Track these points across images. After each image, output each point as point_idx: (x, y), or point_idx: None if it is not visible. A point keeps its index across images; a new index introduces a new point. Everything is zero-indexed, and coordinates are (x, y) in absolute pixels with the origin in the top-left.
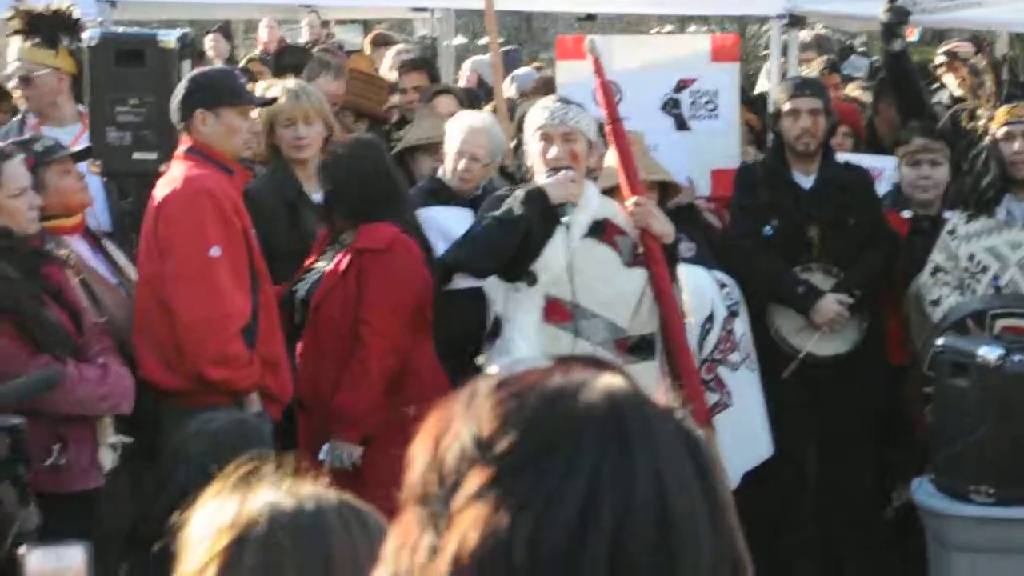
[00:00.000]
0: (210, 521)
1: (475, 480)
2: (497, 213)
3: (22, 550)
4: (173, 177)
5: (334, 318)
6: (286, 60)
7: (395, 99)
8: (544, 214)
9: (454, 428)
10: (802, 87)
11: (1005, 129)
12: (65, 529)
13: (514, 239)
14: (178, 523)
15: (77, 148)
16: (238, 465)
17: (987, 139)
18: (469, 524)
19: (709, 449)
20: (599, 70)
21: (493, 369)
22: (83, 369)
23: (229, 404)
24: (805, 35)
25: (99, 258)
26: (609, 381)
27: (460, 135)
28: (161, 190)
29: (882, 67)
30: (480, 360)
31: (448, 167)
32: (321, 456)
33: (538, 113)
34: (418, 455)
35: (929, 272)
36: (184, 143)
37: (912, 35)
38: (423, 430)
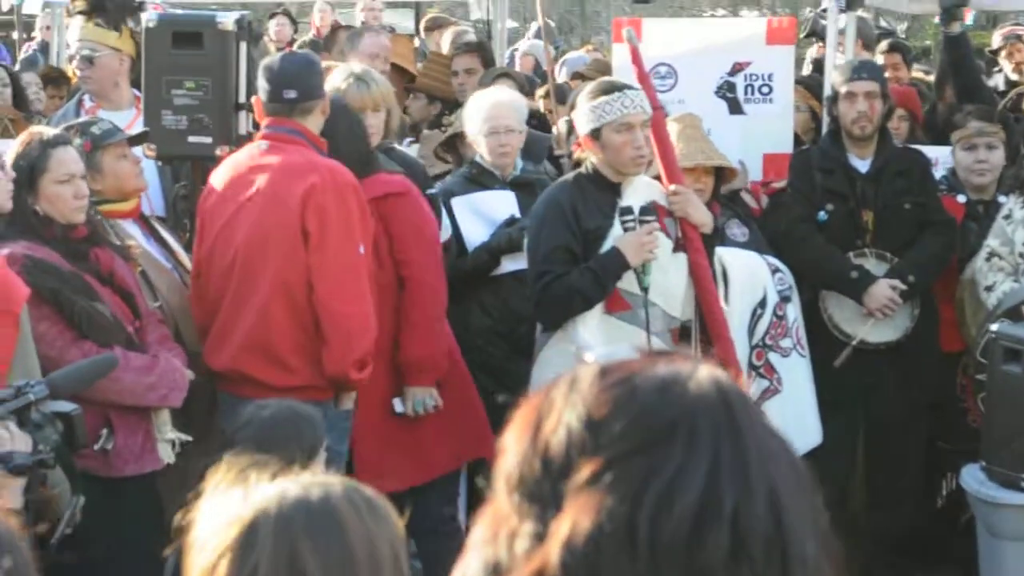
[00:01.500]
0: (218, 513)
1: (590, 465)
2: (579, 285)
3: None
4: (304, 163)
5: (372, 271)
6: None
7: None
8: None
9: (557, 414)
10: (859, 70)
11: None
12: (120, 511)
13: (592, 307)
14: (186, 519)
15: (132, 132)
16: (284, 454)
17: None
18: (584, 508)
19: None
20: (637, 59)
21: (588, 357)
22: (130, 358)
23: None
24: (844, 20)
25: (151, 243)
26: (711, 371)
27: (486, 113)
28: (290, 174)
29: (941, 51)
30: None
31: (485, 149)
32: (398, 409)
33: (612, 102)
34: (514, 442)
35: (984, 257)
36: (283, 125)
37: (966, 19)
38: (517, 418)
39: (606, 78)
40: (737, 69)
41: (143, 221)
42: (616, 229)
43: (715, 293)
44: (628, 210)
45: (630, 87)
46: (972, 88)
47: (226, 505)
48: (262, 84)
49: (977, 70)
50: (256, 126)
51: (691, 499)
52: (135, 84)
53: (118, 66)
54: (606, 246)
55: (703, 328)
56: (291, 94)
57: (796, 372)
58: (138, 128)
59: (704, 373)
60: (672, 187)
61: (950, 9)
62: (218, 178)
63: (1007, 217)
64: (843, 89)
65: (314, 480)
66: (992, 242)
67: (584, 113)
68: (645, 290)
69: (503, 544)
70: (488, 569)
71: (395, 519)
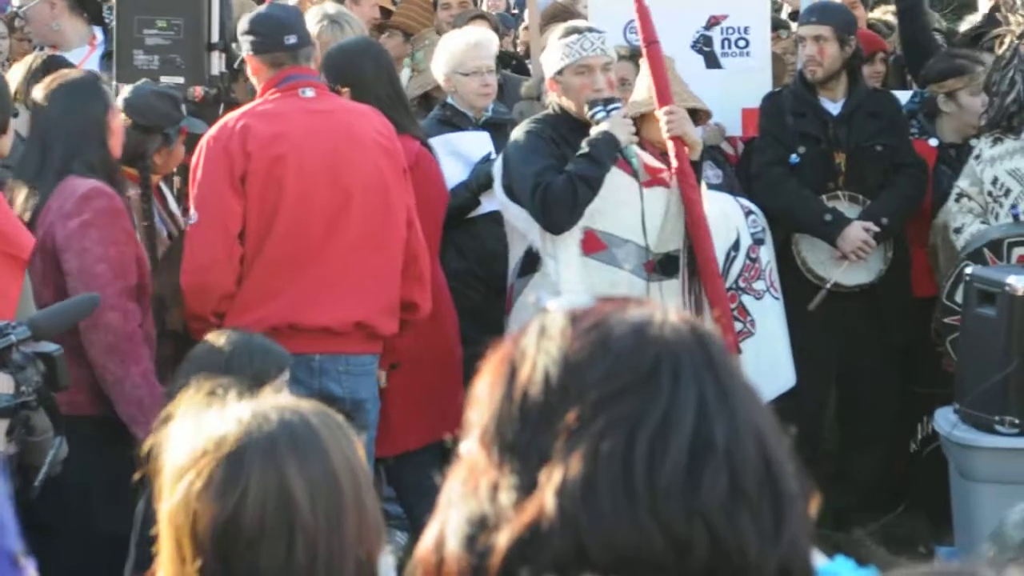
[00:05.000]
0: (192, 436)
1: (574, 410)
2: (581, 172)
3: None
4: (364, 108)
5: None
6: None
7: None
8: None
9: (531, 362)
10: (809, 13)
11: None
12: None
13: (596, 193)
14: (155, 445)
15: (85, 68)
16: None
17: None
18: (575, 453)
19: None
20: None
21: (551, 305)
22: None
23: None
24: None
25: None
26: (681, 313)
27: (467, 54)
28: (366, 117)
29: None
30: (531, 299)
31: (466, 89)
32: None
33: (572, 44)
34: (487, 395)
35: (954, 198)
36: (303, 72)
37: None
38: (487, 369)
39: (572, 21)
40: (713, 23)
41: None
42: None
43: (707, 230)
44: (594, 102)
45: (592, 30)
46: (918, 37)
47: (199, 428)
48: (252, 37)
49: (926, 20)
50: (230, 66)
51: (684, 437)
52: (96, 21)
53: (50, 11)
54: None
55: (691, 261)
56: (292, 39)
57: (769, 315)
58: (92, 64)
59: (674, 315)
60: (667, 107)
61: None
62: (270, 131)
63: (977, 157)
64: (796, 32)
65: (286, 402)
66: (962, 183)
67: (548, 55)
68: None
69: (485, 498)
70: (473, 523)
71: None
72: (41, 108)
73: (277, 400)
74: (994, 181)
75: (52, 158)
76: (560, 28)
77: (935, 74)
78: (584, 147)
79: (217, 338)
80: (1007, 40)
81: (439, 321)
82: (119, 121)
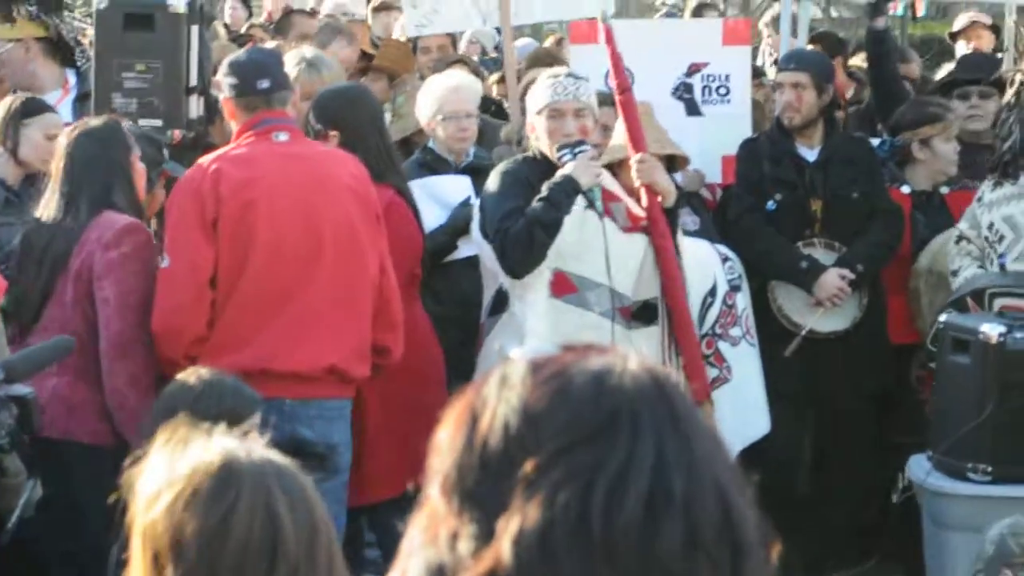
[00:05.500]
0: (170, 465)
1: (533, 459)
2: (538, 214)
3: None
4: (339, 153)
5: None
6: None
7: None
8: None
9: (492, 411)
10: (787, 60)
11: None
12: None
13: (555, 237)
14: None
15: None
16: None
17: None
18: (533, 503)
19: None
20: (611, 39)
21: (514, 353)
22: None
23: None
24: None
25: None
26: (643, 362)
27: (445, 98)
28: (340, 162)
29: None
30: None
31: (443, 134)
32: None
33: (547, 88)
34: (448, 442)
35: (954, 240)
36: (276, 116)
37: (919, 10)
38: (449, 417)
39: (557, 68)
40: (694, 70)
41: None
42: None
43: (676, 267)
44: (563, 145)
45: (571, 75)
46: (888, 85)
47: (181, 456)
48: (229, 80)
49: (896, 68)
50: (209, 110)
51: (642, 488)
52: (67, 64)
53: (24, 55)
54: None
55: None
56: (265, 83)
57: (745, 361)
58: (65, 107)
59: (636, 364)
60: (638, 156)
61: (877, 4)
62: (242, 175)
63: (979, 200)
64: (775, 79)
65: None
66: (962, 225)
67: (529, 98)
68: (600, 214)
69: (444, 546)
70: (432, 572)
71: None
72: (66, 154)
73: (252, 443)
74: (990, 226)
75: (83, 197)
76: (546, 72)
77: (909, 121)
78: (543, 190)
79: (188, 376)
80: (1016, 80)
81: (424, 368)
82: (139, 164)
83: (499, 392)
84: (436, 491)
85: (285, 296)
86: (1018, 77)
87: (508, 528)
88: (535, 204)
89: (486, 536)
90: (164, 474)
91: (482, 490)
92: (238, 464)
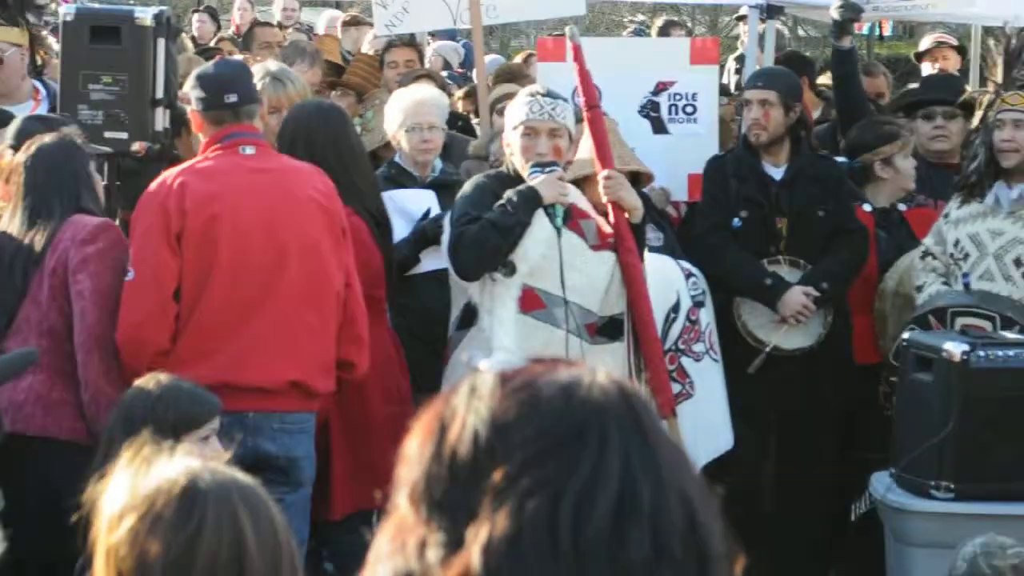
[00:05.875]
0: (133, 484)
1: (501, 469)
2: (493, 217)
3: None
4: (306, 167)
5: None
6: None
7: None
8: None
9: (461, 421)
10: (755, 78)
11: (998, 116)
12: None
13: (510, 243)
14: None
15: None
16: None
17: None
18: (501, 512)
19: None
20: (579, 57)
21: (483, 365)
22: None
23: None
24: (762, 28)
25: None
26: (610, 375)
27: (409, 110)
28: (307, 176)
29: (830, 64)
30: (464, 357)
31: (407, 146)
32: None
33: (524, 104)
34: (417, 452)
35: (919, 256)
36: (245, 130)
37: (886, 29)
38: (417, 427)
39: (536, 85)
40: (661, 88)
41: None
42: (535, 228)
43: (643, 283)
44: (536, 164)
45: (550, 95)
46: (854, 105)
47: (145, 475)
48: (197, 93)
49: (862, 88)
50: (176, 123)
51: (610, 497)
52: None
53: (20, 62)
54: (525, 243)
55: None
56: (232, 97)
57: (709, 377)
58: None
59: (604, 377)
60: (605, 172)
61: (842, 24)
62: (207, 189)
63: (946, 216)
64: (743, 97)
65: (226, 466)
66: (928, 241)
67: (507, 113)
68: (558, 230)
69: (412, 554)
70: None
71: None
72: (27, 169)
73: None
74: (956, 243)
75: (55, 204)
76: (527, 88)
77: (870, 142)
78: (503, 198)
79: (147, 382)
80: (984, 101)
81: (387, 384)
82: (96, 174)
83: (468, 402)
84: (404, 500)
85: (249, 309)
86: (986, 98)
87: (478, 537)
88: (494, 209)
89: (454, 544)
90: (127, 495)
91: (450, 499)
92: (202, 486)
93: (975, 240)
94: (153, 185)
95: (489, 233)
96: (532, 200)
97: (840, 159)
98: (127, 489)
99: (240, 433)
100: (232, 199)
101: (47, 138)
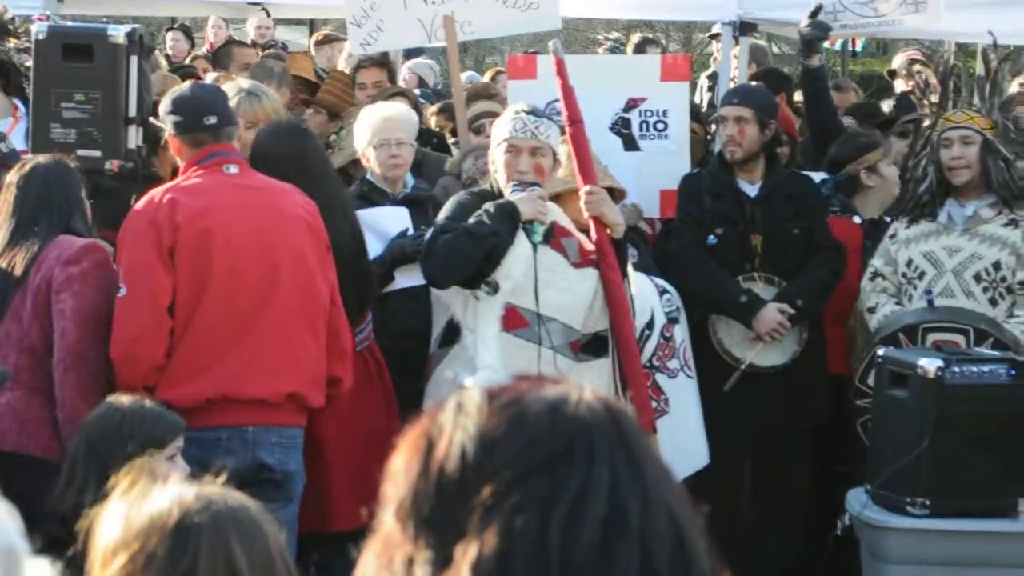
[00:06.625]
0: (131, 515)
1: (489, 486)
2: (467, 225)
3: None
4: (286, 186)
5: None
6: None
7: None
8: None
9: (448, 438)
10: (730, 95)
11: (944, 135)
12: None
13: (482, 252)
14: (85, 524)
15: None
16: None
17: (928, 146)
18: (490, 529)
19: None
20: (561, 71)
21: (469, 382)
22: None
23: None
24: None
25: None
26: (596, 393)
27: (377, 126)
28: (290, 195)
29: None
30: (448, 374)
31: (375, 162)
32: None
33: (508, 122)
34: (404, 469)
35: (868, 277)
36: (226, 150)
37: (857, 45)
38: (404, 444)
39: (522, 103)
40: (632, 105)
41: None
42: (517, 247)
43: (624, 299)
44: (518, 183)
45: (534, 112)
46: (825, 122)
47: (137, 508)
48: (174, 118)
49: (832, 104)
50: (152, 141)
51: (598, 514)
52: (9, 92)
53: None
54: (507, 262)
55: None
56: (212, 119)
57: (683, 393)
58: (18, 135)
59: (590, 394)
60: (587, 187)
61: (811, 42)
62: (197, 204)
63: (892, 236)
64: (718, 113)
65: (219, 488)
66: (876, 262)
67: (493, 130)
68: (534, 246)
69: (400, 572)
70: None
71: None
72: (19, 188)
73: (210, 487)
74: (908, 263)
75: (42, 223)
76: (513, 106)
77: (852, 152)
78: (481, 208)
79: (111, 404)
80: (924, 124)
81: (375, 399)
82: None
83: (455, 419)
84: (391, 517)
85: (244, 323)
86: (927, 121)
87: (466, 554)
88: (472, 218)
89: (442, 562)
90: (121, 529)
91: (438, 516)
92: (195, 520)
93: (930, 258)
94: (140, 203)
95: (462, 240)
96: (509, 213)
97: (821, 175)
98: (121, 522)
99: (240, 447)
100: (223, 214)
101: (41, 159)
